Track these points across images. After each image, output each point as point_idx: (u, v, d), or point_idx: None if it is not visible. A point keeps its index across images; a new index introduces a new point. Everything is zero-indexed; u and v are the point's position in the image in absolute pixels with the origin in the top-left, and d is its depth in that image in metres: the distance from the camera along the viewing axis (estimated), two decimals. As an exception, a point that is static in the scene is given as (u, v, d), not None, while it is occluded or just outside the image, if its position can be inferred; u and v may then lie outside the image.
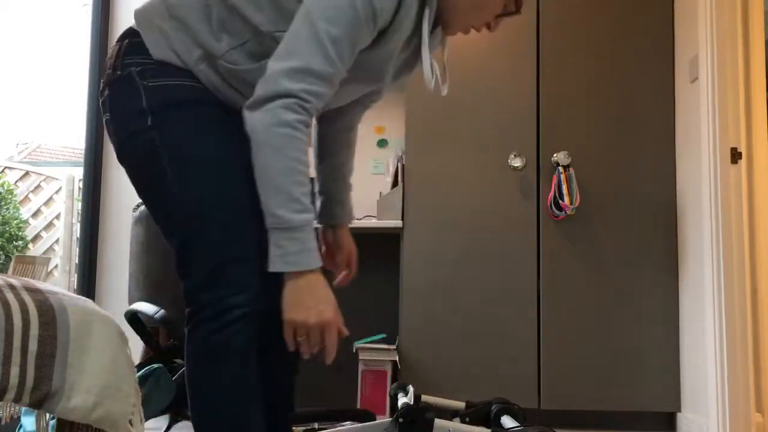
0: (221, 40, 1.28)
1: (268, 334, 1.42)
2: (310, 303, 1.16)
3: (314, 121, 1.58)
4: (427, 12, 1.29)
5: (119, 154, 1.34)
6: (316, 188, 1.58)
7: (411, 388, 2.09)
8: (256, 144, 1.17)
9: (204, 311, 1.24)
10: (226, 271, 1.24)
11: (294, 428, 2.41)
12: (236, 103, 1.32)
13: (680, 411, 2.76)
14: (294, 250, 1.15)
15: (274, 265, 1.16)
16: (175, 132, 1.26)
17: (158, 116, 1.26)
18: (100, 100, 1.36)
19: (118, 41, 1.36)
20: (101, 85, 1.36)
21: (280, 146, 1.15)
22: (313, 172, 1.51)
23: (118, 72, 1.31)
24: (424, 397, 2.00)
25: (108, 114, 1.32)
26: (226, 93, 1.32)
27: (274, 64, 1.19)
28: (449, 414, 2.02)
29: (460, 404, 2.01)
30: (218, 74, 1.30)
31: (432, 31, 1.36)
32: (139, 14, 1.36)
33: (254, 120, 1.17)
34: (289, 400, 1.56)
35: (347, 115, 1.56)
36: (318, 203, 1.59)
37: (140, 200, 1.39)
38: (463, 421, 1.93)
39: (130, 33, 1.35)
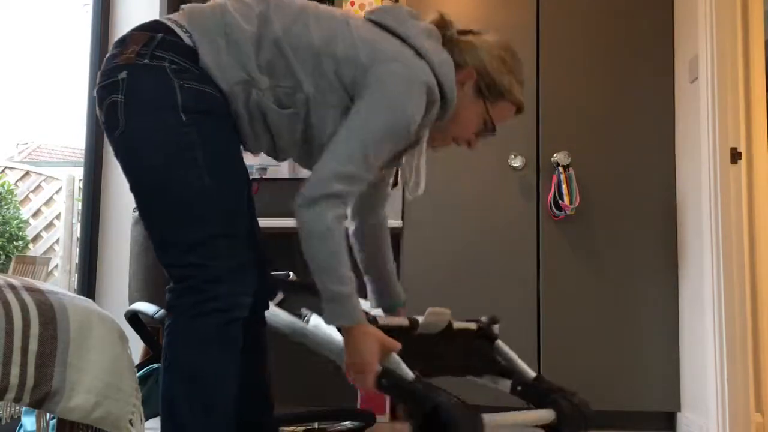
0: (263, 74, 1.38)
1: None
2: (354, 352, 1.37)
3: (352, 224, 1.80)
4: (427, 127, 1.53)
5: (129, 135, 1.35)
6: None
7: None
8: (307, 235, 1.34)
9: (216, 301, 1.32)
10: (246, 272, 1.37)
11: (294, 428, 2.41)
12: (243, 134, 1.44)
13: (680, 411, 2.76)
14: (342, 312, 1.35)
15: (332, 321, 1.39)
16: (209, 134, 1.36)
17: (193, 115, 1.33)
18: (108, 80, 1.36)
19: (145, 31, 1.38)
20: (112, 66, 1.37)
21: (326, 237, 1.33)
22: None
23: (146, 60, 1.33)
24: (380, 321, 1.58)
25: (122, 96, 1.34)
26: (242, 123, 1.42)
27: (327, 166, 1.36)
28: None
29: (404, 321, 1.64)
30: (246, 102, 1.39)
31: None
32: (193, 16, 1.40)
33: (306, 216, 1.34)
34: (264, 397, 1.67)
35: (374, 209, 1.77)
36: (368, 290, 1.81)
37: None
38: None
39: (165, 29, 1.37)
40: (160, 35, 1.36)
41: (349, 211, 1.51)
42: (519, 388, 1.57)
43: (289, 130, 1.43)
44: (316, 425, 2.45)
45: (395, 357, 1.39)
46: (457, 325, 1.64)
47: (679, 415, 2.77)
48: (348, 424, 2.50)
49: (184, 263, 1.34)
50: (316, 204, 1.33)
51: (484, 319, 1.72)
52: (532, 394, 1.58)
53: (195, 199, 1.34)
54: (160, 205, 1.36)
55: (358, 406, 2.85)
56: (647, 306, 2.81)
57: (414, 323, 1.56)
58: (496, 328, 1.70)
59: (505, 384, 1.59)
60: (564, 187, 2.78)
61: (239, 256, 1.36)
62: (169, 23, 1.39)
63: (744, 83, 2.58)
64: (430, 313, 1.56)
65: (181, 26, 1.38)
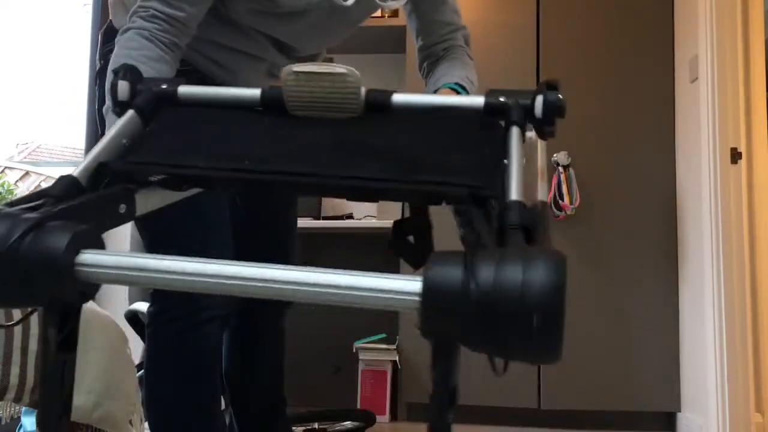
0: None
1: (248, 331, 1.44)
2: None
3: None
4: None
5: None
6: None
7: None
8: None
9: (177, 309, 1.22)
10: None
11: (294, 428, 2.41)
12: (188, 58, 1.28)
13: (680, 411, 2.76)
14: None
15: None
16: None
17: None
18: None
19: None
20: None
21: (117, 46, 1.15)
22: None
23: (101, 62, 1.34)
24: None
25: (96, 105, 1.35)
26: (191, 57, 1.29)
27: None
28: None
29: None
30: None
31: None
32: None
33: None
34: (274, 392, 1.58)
35: (428, 31, 1.47)
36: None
37: None
38: None
39: (110, 19, 1.36)
40: (105, 27, 1.35)
41: (152, 27, 1.14)
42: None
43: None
44: (316, 425, 2.45)
45: None
46: (402, 98, 0.87)
47: (679, 415, 2.77)
48: (348, 424, 2.50)
49: None
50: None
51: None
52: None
53: None
54: None
55: (358, 406, 2.85)
56: (647, 306, 2.81)
57: (272, 94, 0.87)
58: (537, 103, 0.89)
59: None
60: (564, 187, 2.78)
61: (192, 253, 1.17)
62: None
63: (744, 83, 2.58)
64: (294, 72, 0.84)
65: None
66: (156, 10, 1.15)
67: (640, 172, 2.86)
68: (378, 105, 0.85)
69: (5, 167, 6.06)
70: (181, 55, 1.20)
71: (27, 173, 5.99)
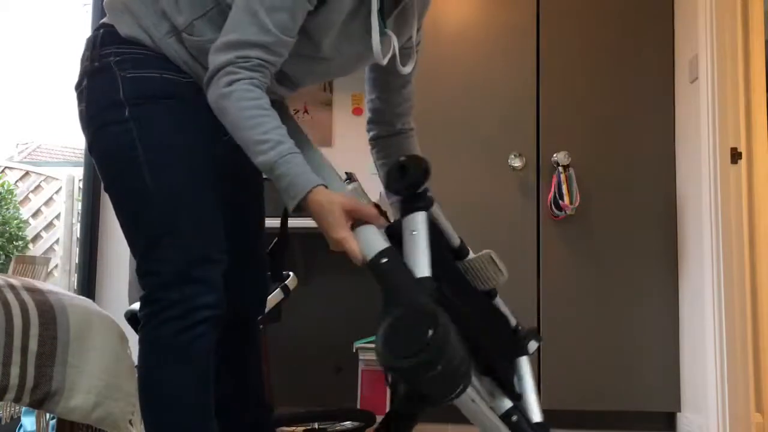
0: (182, 11, 1.27)
1: (237, 332, 1.44)
2: (323, 224, 1.15)
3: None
4: None
5: (91, 144, 1.32)
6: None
7: None
8: (219, 115, 1.20)
9: (171, 310, 1.23)
10: (197, 270, 1.25)
11: (294, 428, 2.41)
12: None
13: (680, 411, 2.76)
14: (285, 186, 1.15)
15: (289, 209, 1.17)
16: (152, 126, 1.26)
17: (135, 109, 1.25)
18: (77, 92, 1.34)
19: (93, 31, 1.35)
20: (78, 76, 1.34)
21: (227, 109, 1.18)
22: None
23: (96, 63, 1.30)
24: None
25: (83, 104, 1.32)
26: (195, 70, 1.30)
27: (216, 42, 1.22)
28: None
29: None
30: (186, 49, 1.28)
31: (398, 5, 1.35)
32: None
33: (209, 98, 1.21)
34: (261, 398, 1.55)
35: (395, 114, 1.58)
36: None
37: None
38: None
39: (105, 23, 1.33)
40: (102, 30, 1.33)
41: (259, 76, 1.20)
42: (514, 418, 1.25)
43: None
44: (316, 425, 2.45)
45: (369, 229, 1.17)
46: (502, 306, 1.51)
47: (679, 415, 2.77)
48: (348, 424, 2.50)
49: (141, 273, 1.28)
50: (210, 84, 1.20)
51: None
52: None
53: (139, 204, 1.27)
54: (120, 217, 1.31)
55: (358, 406, 2.85)
56: (647, 306, 2.81)
57: (461, 250, 1.45)
58: (532, 345, 1.50)
59: (502, 404, 1.27)
60: (564, 187, 2.78)
61: (187, 254, 1.26)
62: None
63: (744, 83, 2.58)
64: (492, 257, 1.41)
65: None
66: (260, 59, 1.20)
67: (640, 172, 2.86)
68: (491, 294, 1.48)
69: (5, 167, 6.06)
70: None
71: (27, 173, 5.99)
